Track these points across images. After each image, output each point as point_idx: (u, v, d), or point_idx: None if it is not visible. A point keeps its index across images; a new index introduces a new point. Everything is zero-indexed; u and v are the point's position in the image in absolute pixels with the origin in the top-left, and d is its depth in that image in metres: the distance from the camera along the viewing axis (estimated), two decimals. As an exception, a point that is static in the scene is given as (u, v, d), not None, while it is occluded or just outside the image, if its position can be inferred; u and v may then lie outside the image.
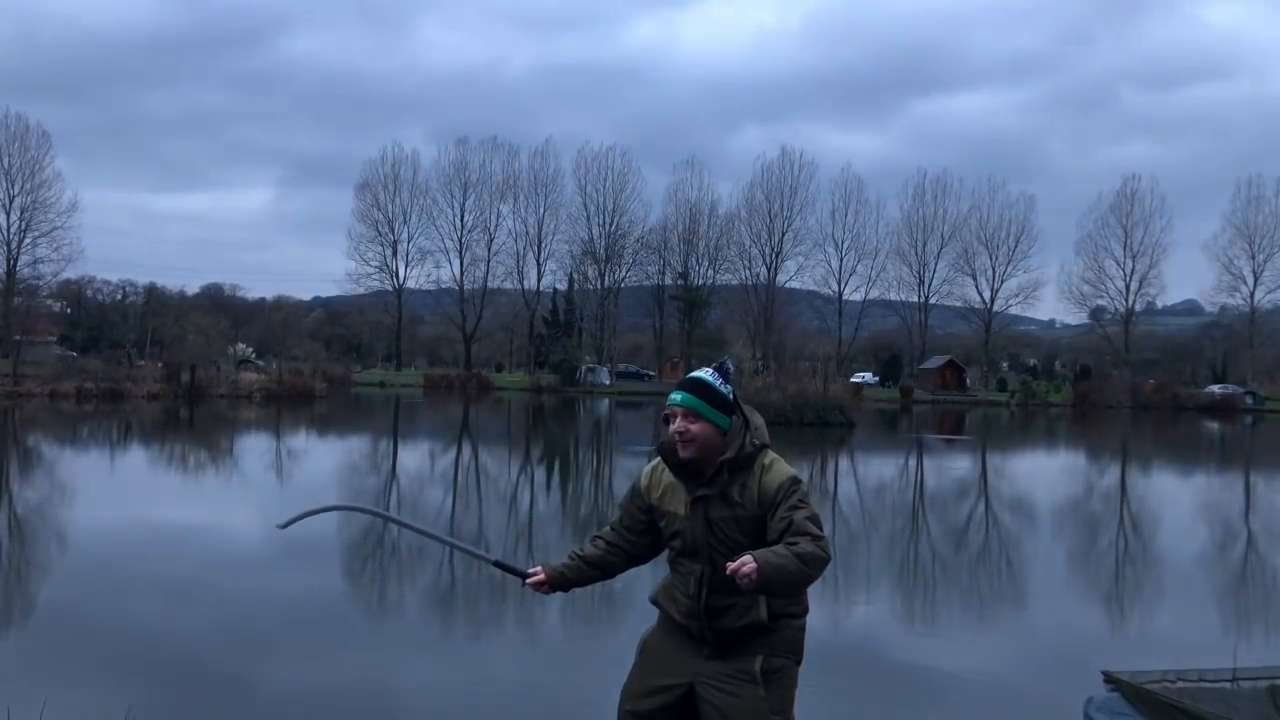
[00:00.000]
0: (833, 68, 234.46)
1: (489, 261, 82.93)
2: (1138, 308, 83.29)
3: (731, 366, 3.48)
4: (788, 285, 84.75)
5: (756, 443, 3.28)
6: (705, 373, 3.40)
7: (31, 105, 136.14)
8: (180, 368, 47.85)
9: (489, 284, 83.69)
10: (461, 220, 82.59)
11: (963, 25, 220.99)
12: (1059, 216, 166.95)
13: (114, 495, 16.36)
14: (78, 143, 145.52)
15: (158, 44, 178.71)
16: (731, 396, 3.36)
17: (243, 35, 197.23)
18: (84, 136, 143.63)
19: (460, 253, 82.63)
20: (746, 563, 2.98)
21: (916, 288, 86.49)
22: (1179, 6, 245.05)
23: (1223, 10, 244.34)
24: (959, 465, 27.65)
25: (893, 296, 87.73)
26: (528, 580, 3.60)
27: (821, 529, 3.17)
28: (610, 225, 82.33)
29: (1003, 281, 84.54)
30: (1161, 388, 76.19)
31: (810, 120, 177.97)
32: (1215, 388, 78.33)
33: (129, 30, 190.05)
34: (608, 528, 3.67)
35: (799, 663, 3.41)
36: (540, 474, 22.33)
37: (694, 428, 3.27)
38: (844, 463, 25.73)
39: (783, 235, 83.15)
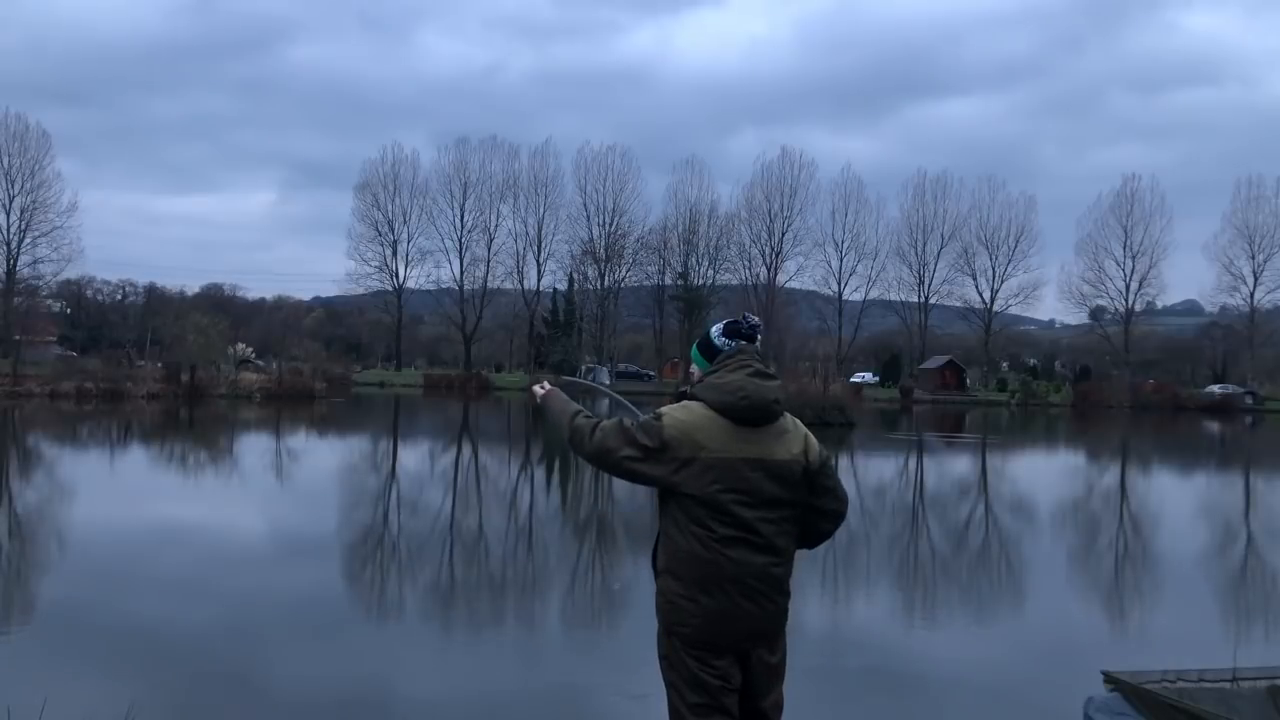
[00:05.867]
0: (826, 74, 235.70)
1: (489, 261, 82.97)
2: (1138, 308, 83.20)
3: (748, 321, 3.62)
4: (788, 285, 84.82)
5: (681, 389, 3.57)
6: (713, 327, 3.67)
7: (41, 110, 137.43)
8: (180, 368, 47.79)
9: (489, 284, 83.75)
10: (461, 220, 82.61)
11: (953, 31, 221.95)
12: (1054, 217, 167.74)
13: (114, 495, 16.36)
14: (85, 146, 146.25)
15: (164, 51, 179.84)
16: (724, 345, 3.56)
17: (247, 43, 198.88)
18: (91, 140, 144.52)
19: (460, 253, 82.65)
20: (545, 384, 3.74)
21: (916, 288, 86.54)
22: (1160, 14, 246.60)
23: (1201, 19, 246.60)
24: (958, 465, 27.65)
25: (893, 296, 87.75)
26: None
27: (608, 435, 3.39)
28: (610, 225, 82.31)
29: (1003, 281, 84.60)
30: (1161, 388, 76.11)
31: (806, 124, 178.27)
32: (1215, 388, 78.18)
33: (136, 38, 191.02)
34: None
35: (667, 633, 3.36)
36: (540, 473, 22.33)
37: (693, 371, 3.66)
38: (844, 462, 25.70)
39: (783, 235, 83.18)
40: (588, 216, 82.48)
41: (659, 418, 3.36)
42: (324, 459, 24.46)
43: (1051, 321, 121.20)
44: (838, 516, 3.57)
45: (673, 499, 3.37)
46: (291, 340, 74.41)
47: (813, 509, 3.49)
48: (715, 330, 3.61)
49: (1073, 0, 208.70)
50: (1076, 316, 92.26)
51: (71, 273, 74.38)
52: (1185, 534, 15.04)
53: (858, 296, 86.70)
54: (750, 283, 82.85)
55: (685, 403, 3.43)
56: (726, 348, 3.54)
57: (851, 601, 9.73)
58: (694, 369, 3.65)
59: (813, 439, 3.51)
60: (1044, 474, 25.90)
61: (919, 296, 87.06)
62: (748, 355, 3.48)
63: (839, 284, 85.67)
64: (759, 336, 3.58)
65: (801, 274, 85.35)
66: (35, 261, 68.82)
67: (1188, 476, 26.66)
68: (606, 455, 3.38)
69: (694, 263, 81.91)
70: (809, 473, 3.43)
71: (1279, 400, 74.05)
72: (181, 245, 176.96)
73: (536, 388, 3.75)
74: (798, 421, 3.53)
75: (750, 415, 3.36)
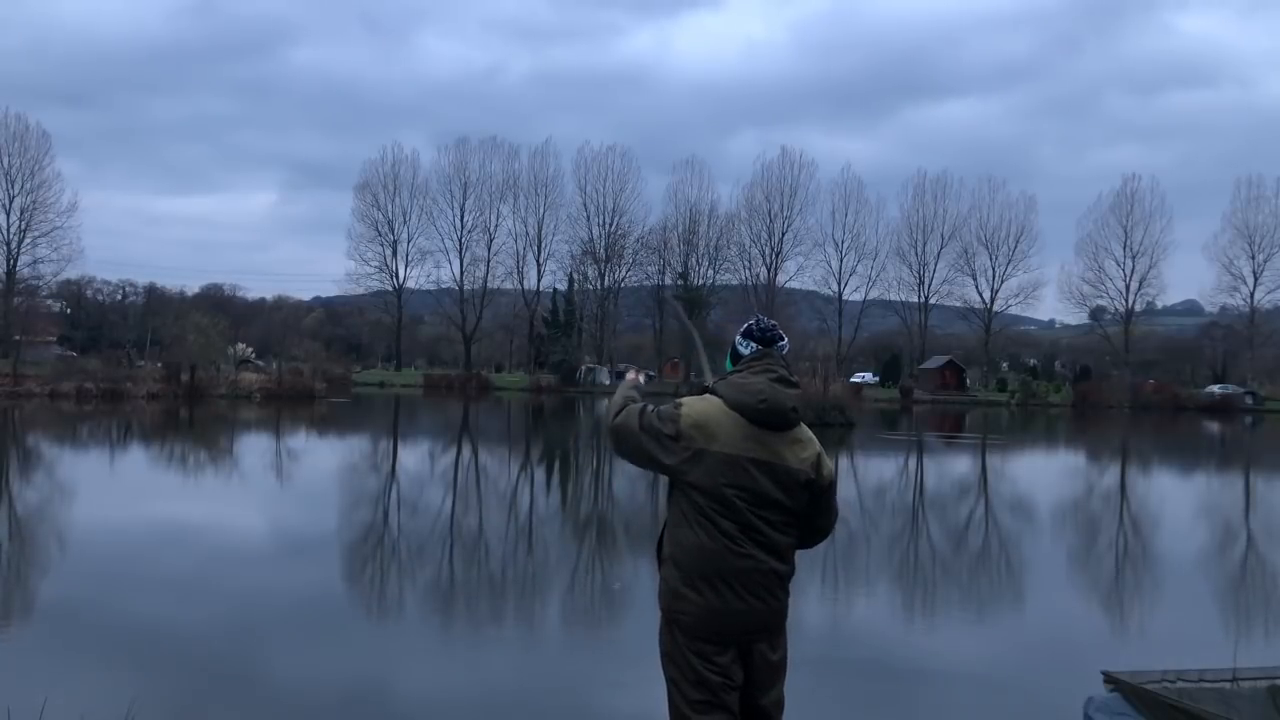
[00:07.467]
0: (824, 75, 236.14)
1: (489, 261, 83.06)
2: (1138, 308, 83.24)
3: (759, 323, 3.63)
4: (788, 285, 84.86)
5: (706, 384, 3.65)
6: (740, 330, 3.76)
7: (42, 110, 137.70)
8: (180, 368, 47.81)
9: (489, 284, 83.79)
10: (461, 220, 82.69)
11: (951, 33, 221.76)
12: (1054, 217, 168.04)
13: (114, 495, 16.35)
14: (85, 147, 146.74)
15: (166, 53, 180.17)
16: (746, 349, 3.59)
17: (249, 45, 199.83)
18: (92, 141, 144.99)
19: (460, 253, 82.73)
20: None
21: (916, 288, 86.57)
22: (1156, 16, 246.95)
23: (1196, 20, 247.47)
24: (958, 465, 27.64)
25: (893, 296, 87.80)
26: None
27: (631, 416, 3.48)
28: (610, 225, 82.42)
29: (1003, 281, 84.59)
30: (1161, 388, 76.11)
31: (805, 125, 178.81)
32: (1215, 388, 78.15)
33: (138, 39, 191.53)
34: None
35: (668, 623, 3.41)
36: (540, 474, 22.33)
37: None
38: (844, 462, 25.71)
39: (783, 235, 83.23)
40: (588, 216, 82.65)
41: (678, 407, 3.43)
42: (324, 459, 24.45)
43: (1051, 321, 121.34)
44: (825, 533, 3.65)
45: (680, 490, 3.43)
46: (291, 340, 74.36)
47: (807, 519, 3.52)
48: (738, 336, 3.67)
49: (1070, 2, 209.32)
50: (1076, 316, 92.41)
51: (71, 273, 74.57)
52: (1185, 534, 15.04)
53: (858, 296, 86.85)
54: (750, 283, 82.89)
55: (706, 396, 3.50)
56: (743, 348, 3.59)
57: (852, 600, 9.72)
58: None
59: (826, 457, 3.54)
60: (1044, 474, 25.90)
61: (919, 296, 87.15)
62: (774, 360, 3.51)
63: (839, 284, 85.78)
64: (780, 339, 3.59)
65: (801, 274, 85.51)
66: (35, 261, 68.90)
67: (1188, 477, 26.65)
68: (625, 432, 3.48)
69: (694, 263, 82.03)
70: (813, 485, 3.46)
71: (1279, 400, 74.04)
72: (181, 245, 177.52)
73: (630, 374, 3.91)
74: (814, 436, 3.56)
75: (767, 419, 3.40)
